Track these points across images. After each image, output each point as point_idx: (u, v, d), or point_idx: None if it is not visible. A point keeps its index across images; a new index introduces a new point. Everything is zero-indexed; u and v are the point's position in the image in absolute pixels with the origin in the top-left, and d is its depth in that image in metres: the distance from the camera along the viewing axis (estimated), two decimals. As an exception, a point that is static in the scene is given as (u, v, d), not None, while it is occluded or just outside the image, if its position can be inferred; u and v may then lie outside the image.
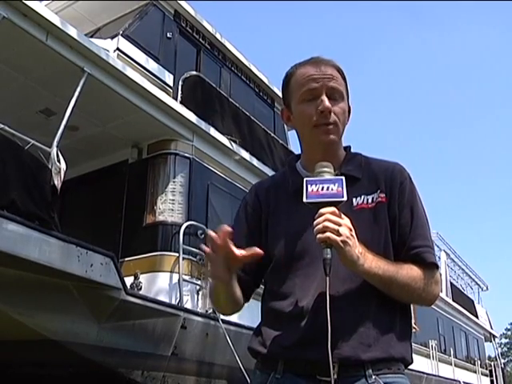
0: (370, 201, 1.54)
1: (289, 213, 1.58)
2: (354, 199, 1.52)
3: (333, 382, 1.32)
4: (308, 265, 1.49)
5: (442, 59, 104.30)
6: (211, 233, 1.37)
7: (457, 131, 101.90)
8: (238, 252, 1.37)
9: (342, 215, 1.36)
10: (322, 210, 1.35)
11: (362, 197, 1.54)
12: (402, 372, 1.47)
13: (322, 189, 1.37)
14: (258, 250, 1.38)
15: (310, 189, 1.37)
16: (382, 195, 1.55)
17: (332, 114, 1.53)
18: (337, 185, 1.37)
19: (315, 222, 1.34)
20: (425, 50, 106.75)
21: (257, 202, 1.68)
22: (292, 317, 1.47)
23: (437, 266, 1.54)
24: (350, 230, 1.36)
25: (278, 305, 1.52)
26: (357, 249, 1.36)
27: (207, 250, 1.38)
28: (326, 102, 1.52)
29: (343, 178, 1.39)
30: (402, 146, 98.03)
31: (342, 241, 1.32)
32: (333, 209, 1.35)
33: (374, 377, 1.40)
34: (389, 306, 1.47)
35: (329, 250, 1.32)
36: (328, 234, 1.32)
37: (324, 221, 1.33)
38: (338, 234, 1.32)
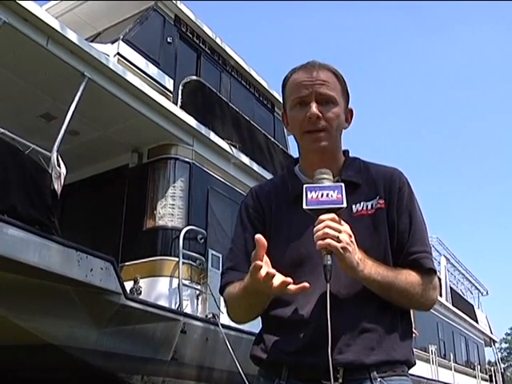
0: (369, 207, 1.55)
1: (289, 220, 1.58)
2: (353, 206, 1.53)
3: None
4: (309, 272, 1.48)
5: (442, 60, 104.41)
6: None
7: (460, 132, 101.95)
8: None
9: (342, 221, 1.37)
10: (322, 217, 1.35)
11: (362, 203, 1.55)
12: (406, 374, 1.48)
13: (322, 195, 1.38)
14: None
15: (309, 195, 1.38)
16: (382, 201, 1.55)
17: (322, 120, 1.53)
18: (336, 191, 1.38)
19: (315, 229, 1.35)
20: (425, 51, 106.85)
21: (259, 205, 1.66)
22: (295, 323, 1.47)
23: (435, 272, 1.55)
24: (350, 236, 1.36)
25: (280, 312, 1.52)
26: (356, 255, 1.37)
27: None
28: (313, 109, 1.52)
29: (342, 184, 1.40)
30: (403, 150, 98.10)
31: (341, 247, 1.33)
32: (332, 215, 1.36)
33: (378, 379, 1.41)
34: (390, 310, 1.48)
35: (329, 256, 1.33)
36: (328, 240, 1.32)
37: (324, 227, 1.33)
38: (338, 240, 1.33)
